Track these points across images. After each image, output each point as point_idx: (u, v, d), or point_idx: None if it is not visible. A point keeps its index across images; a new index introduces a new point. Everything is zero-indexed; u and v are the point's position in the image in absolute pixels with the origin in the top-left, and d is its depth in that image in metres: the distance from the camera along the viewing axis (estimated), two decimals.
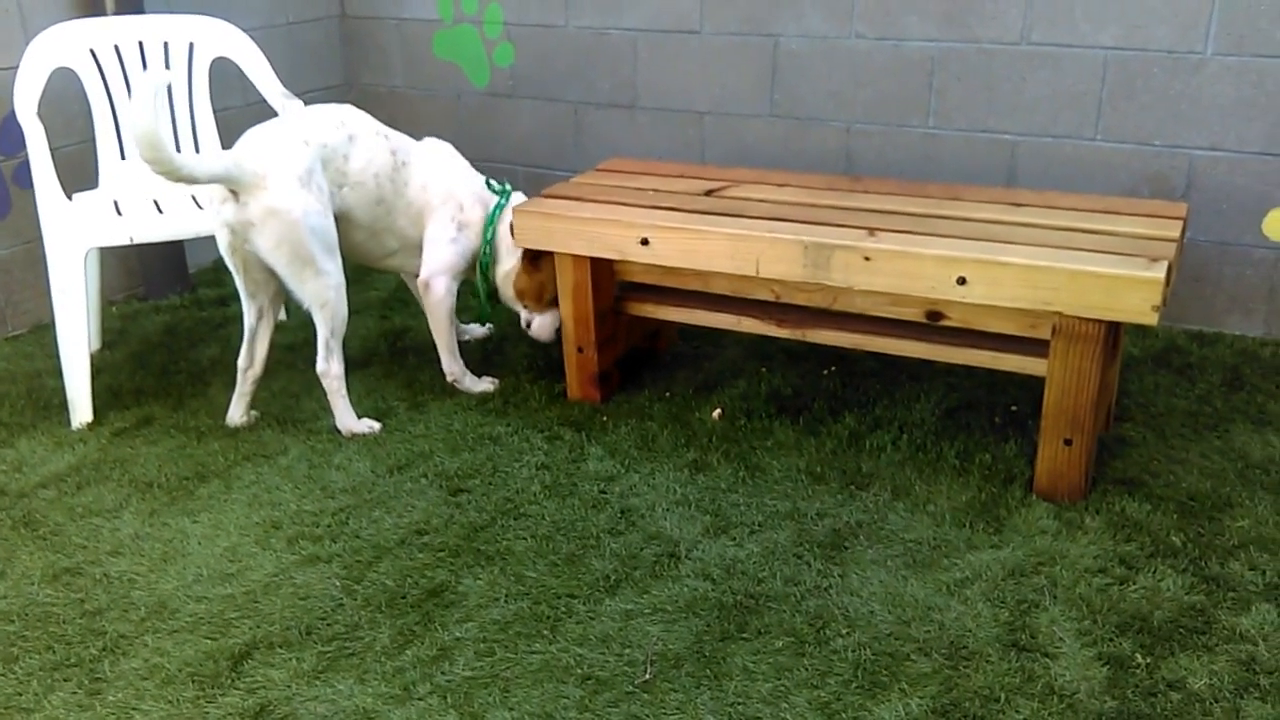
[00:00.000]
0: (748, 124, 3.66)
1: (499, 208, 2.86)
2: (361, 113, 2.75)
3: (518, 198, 2.91)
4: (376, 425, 2.76)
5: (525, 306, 2.92)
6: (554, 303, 2.87)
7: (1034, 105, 3.28)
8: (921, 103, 3.42)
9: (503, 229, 2.85)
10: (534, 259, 2.84)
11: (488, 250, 2.87)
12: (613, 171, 3.08)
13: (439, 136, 4.13)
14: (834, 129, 3.55)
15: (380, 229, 2.77)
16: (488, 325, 3.29)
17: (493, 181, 2.92)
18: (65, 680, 1.93)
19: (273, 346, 2.78)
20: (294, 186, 2.50)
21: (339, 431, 2.74)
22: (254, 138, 2.57)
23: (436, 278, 2.81)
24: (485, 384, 2.96)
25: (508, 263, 2.88)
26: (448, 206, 2.80)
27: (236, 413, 2.79)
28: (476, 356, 3.15)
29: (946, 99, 3.38)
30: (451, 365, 2.92)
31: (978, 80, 3.33)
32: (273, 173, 2.49)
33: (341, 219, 2.68)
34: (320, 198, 2.56)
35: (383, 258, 2.86)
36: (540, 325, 2.92)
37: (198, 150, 3.21)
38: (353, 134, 2.68)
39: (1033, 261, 2.28)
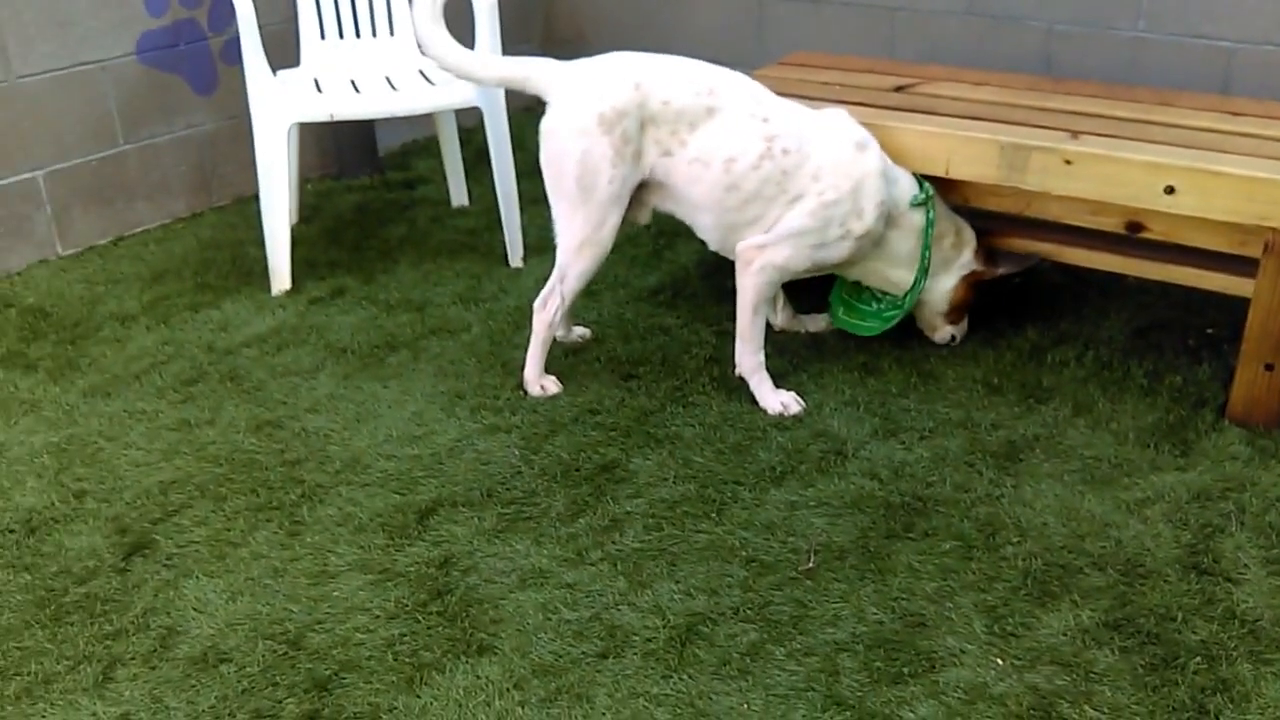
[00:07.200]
0: (941, 21, 3.51)
1: (930, 223, 2.43)
2: (750, 87, 2.36)
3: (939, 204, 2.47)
4: (553, 389, 2.46)
5: (951, 322, 2.60)
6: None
7: (1256, 9, 3.03)
8: (1131, 3, 3.20)
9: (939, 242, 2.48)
10: (991, 254, 2.53)
11: (924, 270, 2.47)
12: (796, 65, 3.02)
13: (623, 30, 4.14)
14: (1033, 29, 3.37)
15: (732, 222, 2.36)
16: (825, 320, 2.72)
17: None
18: (268, 521, 2.09)
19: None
20: (585, 118, 2.25)
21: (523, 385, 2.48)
22: (590, 61, 2.35)
23: (767, 268, 2.34)
24: (784, 399, 2.40)
25: (947, 280, 2.52)
26: (839, 207, 2.32)
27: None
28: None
29: (1159, 0, 3.16)
30: (750, 359, 2.42)
31: None
32: (569, 96, 2.29)
33: (660, 190, 2.37)
34: (620, 148, 2.26)
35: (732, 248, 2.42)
36: (960, 332, 2.63)
37: (391, 33, 3.29)
38: (714, 106, 2.30)
39: (1251, 172, 2.15)
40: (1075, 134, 2.36)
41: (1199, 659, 1.72)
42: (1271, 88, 3.07)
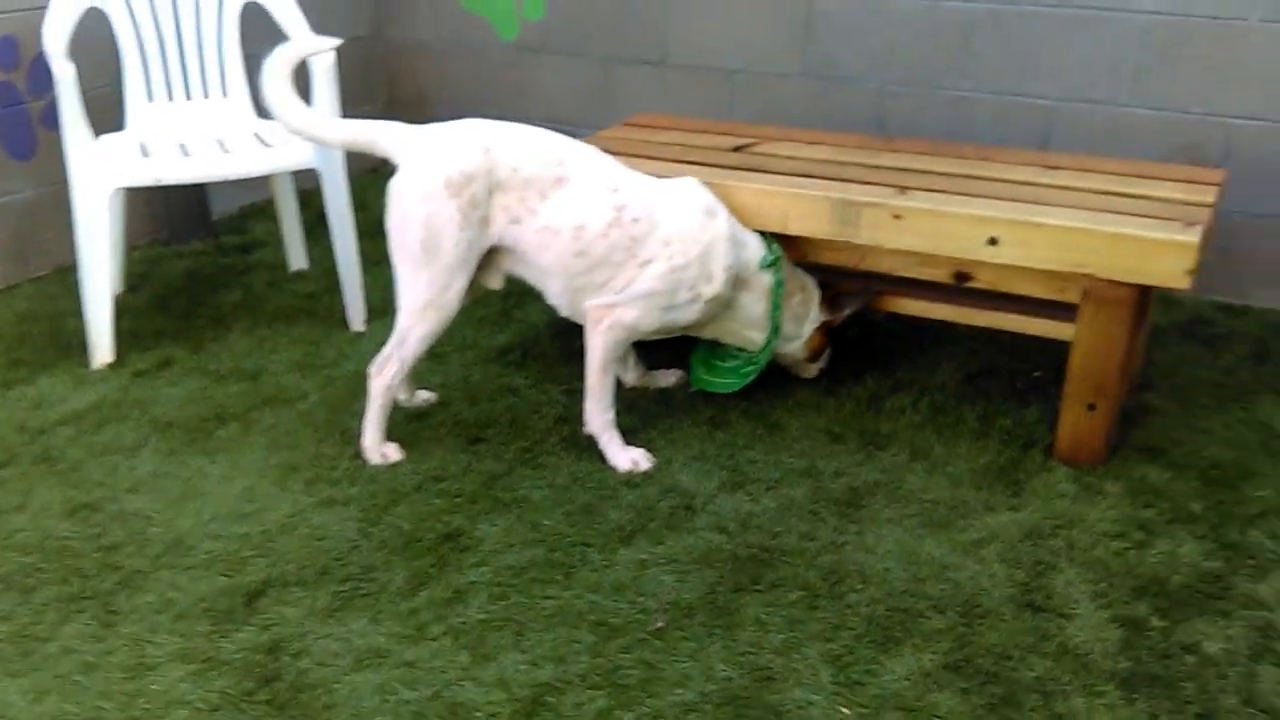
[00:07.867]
0: (778, 83, 3.62)
1: (779, 284, 2.47)
2: (599, 158, 2.38)
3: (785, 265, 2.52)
4: (394, 456, 2.39)
5: (814, 361, 2.67)
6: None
7: (1072, 69, 3.23)
8: (957, 65, 3.36)
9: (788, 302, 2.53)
10: (835, 301, 2.58)
11: (775, 329, 2.51)
12: (639, 126, 3.05)
13: (467, 93, 4.13)
14: (866, 90, 3.50)
15: (580, 286, 2.36)
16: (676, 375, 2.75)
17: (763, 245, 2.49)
18: (80, 612, 1.94)
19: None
20: (432, 181, 2.24)
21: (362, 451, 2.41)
22: (441, 125, 2.33)
23: (616, 327, 2.34)
24: (634, 456, 2.39)
25: (804, 331, 2.58)
26: (688, 271, 2.34)
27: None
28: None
29: (982, 61, 3.33)
30: (599, 417, 2.41)
31: (1015, 43, 3.27)
32: (417, 158, 2.27)
33: (510, 255, 2.38)
34: (467, 212, 2.25)
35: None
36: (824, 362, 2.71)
37: (224, 94, 3.20)
38: (564, 176, 2.31)
39: (1067, 223, 2.25)
40: (903, 189, 2.44)
41: (1036, 695, 1.76)
42: (1086, 141, 3.25)
